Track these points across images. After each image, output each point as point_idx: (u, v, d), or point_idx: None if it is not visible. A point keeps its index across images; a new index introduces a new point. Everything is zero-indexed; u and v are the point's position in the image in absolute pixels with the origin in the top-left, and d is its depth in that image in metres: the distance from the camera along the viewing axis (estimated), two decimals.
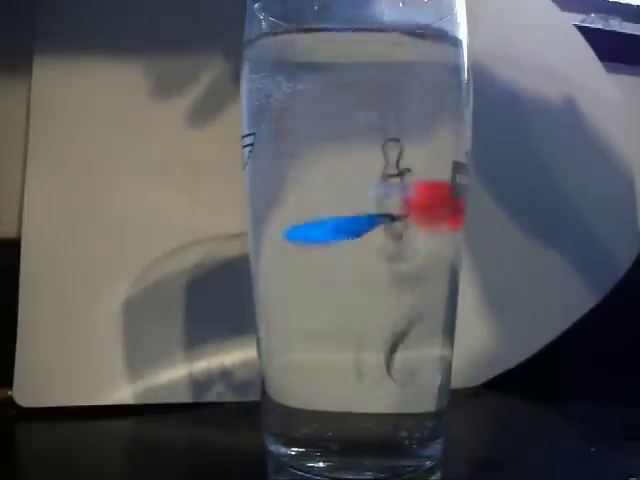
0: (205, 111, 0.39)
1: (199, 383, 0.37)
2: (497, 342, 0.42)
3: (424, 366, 0.24)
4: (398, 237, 0.22)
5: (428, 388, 0.24)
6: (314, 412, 0.24)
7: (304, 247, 0.23)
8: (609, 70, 0.47)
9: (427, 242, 0.23)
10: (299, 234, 0.23)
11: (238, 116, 0.25)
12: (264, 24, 0.24)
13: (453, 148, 0.24)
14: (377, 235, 0.22)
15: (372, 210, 0.22)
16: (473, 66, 0.24)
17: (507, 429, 0.35)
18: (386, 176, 0.22)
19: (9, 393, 0.35)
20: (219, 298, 0.38)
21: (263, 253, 0.25)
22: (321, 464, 0.23)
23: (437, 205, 0.23)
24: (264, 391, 0.25)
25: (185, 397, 0.37)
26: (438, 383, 0.24)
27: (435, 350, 0.24)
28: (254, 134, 0.24)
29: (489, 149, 0.39)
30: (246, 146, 0.24)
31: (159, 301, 0.38)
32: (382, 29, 0.23)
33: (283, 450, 0.24)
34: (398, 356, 0.23)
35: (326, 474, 0.23)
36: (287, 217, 0.24)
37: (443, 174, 0.23)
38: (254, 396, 0.26)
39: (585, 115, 0.45)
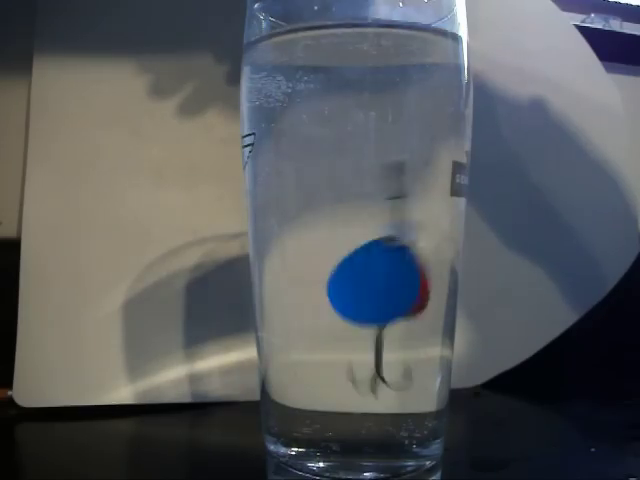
0: (203, 111, 0.40)
1: (199, 383, 0.37)
2: (497, 342, 0.42)
3: (424, 366, 0.24)
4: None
5: (428, 388, 0.24)
6: (314, 412, 0.24)
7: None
8: (609, 70, 0.47)
9: (427, 243, 0.23)
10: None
11: (239, 116, 0.25)
12: (264, 24, 0.24)
13: (453, 148, 0.24)
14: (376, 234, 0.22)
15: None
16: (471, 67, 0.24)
17: (507, 429, 0.35)
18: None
19: (9, 393, 0.35)
20: (219, 298, 0.38)
21: (263, 253, 0.25)
22: (321, 464, 0.23)
23: None
24: (264, 391, 0.25)
25: (185, 397, 0.37)
26: (438, 383, 0.24)
27: (435, 350, 0.24)
28: (254, 134, 0.24)
29: (488, 151, 0.39)
30: (246, 146, 0.24)
31: (159, 301, 0.38)
32: (382, 29, 0.23)
33: (283, 450, 0.24)
34: (393, 358, 0.23)
35: (326, 474, 0.23)
36: (287, 217, 0.24)
37: (443, 174, 0.23)
38: (254, 396, 0.26)
39: (583, 117, 0.45)
